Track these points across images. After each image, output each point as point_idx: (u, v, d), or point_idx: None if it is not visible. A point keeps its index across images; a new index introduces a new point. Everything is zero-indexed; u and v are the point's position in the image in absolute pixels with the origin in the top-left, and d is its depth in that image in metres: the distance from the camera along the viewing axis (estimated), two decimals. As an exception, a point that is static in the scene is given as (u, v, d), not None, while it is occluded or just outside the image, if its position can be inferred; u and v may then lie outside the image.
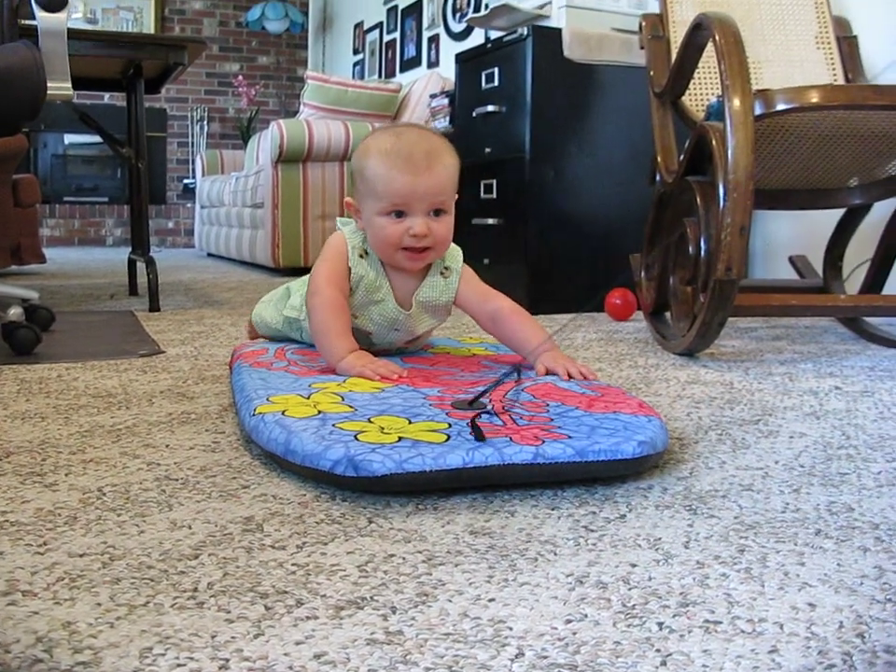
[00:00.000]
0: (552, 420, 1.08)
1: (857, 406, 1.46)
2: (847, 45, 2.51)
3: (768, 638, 0.63)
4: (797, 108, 1.73)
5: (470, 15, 4.17)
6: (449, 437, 1.00)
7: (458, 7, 5.20)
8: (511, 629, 0.65)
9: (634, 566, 0.77)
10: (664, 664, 0.60)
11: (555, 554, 0.79)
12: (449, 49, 5.07)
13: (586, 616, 0.67)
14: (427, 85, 4.65)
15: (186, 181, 7.78)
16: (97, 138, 3.48)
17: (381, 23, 6.41)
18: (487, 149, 3.06)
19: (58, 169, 7.53)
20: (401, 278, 1.41)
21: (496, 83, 3.01)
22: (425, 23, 5.67)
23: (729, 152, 1.69)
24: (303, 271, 4.30)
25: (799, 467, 1.09)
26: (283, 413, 1.10)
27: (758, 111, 1.73)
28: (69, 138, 7.48)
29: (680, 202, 2.05)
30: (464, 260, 1.45)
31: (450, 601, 0.69)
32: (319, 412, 1.10)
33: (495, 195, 3.02)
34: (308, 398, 1.17)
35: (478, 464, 0.94)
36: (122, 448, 1.14)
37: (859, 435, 1.26)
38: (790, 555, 0.79)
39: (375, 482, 0.93)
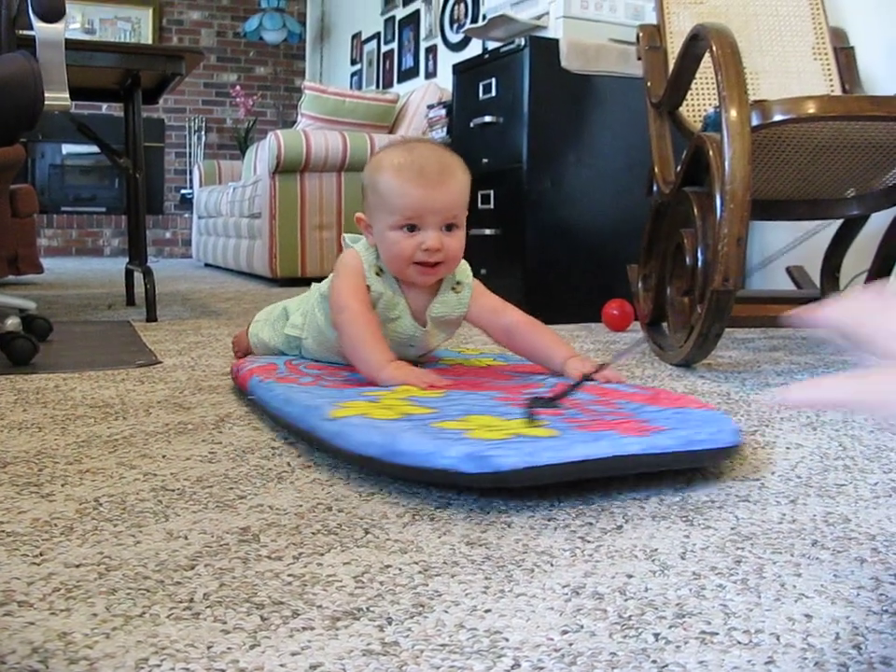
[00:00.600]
0: (633, 415, 1.09)
1: (854, 417, 1.46)
2: (844, 56, 2.51)
3: (764, 650, 0.63)
4: (794, 119, 1.73)
5: (468, 26, 4.18)
6: (560, 431, 1.00)
7: (456, 17, 5.22)
8: (507, 640, 0.64)
9: (630, 576, 0.77)
10: (660, 675, 0.60)
11: (552, 565, 0.79)
12: (446, 60, 5.09)
13: (582, 627, 0.67)
14: (424, 95, 4.66)
15: (183, 191, 7.79)
16: (95, 148, 3.48)
17: (378, 34, 6.43)
18: (485, 160, 3.07)
19: (55, 179, 7.54)
20: (416, 295, 1.40)
21: (493, 94, 3.02)
22: (422, 34, 5.69)
23: (726, 163, 1.69)
24: (301, 281, 4.32)
25: (796, 477, 1.09)
26: (364, 417, 1.07)
27: (755, 122, 1.73)
28: (67, 148, 7.49)
29: (677, 212, 2.05)
30: None
31: (446, 612, 0.69)
32: (403, 413, 1.08)
33: (492, 205, 3.03)
34: (378, 402, 1.15)
35: (599, 455, 0.95)
36: (119, 458, 1.14)
37: (856, 446, 1.26)
38: (786, 566, 0.79)
39: (500, 477, 0.92)
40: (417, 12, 5.75)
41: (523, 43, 2.84)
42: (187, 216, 7.78)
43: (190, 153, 7.97)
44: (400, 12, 6.03)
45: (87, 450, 1.18)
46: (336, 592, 0.73)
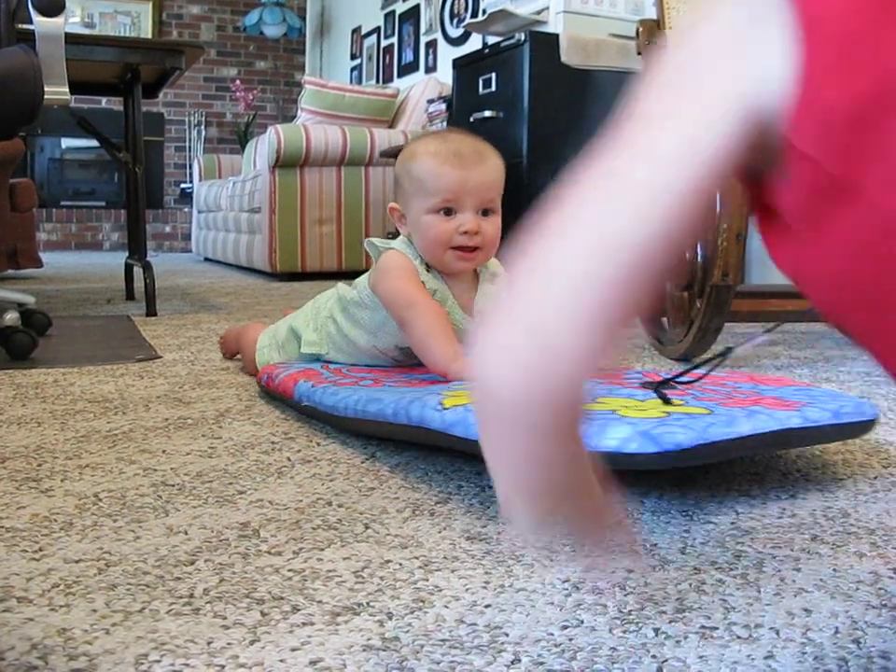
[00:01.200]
0: (757, 392, 1.08)
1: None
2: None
3: (764, 644, 0.63)
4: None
5: (468, 20, 4.18)
6: (711, 410, 0.97)
7: (456, 12, 5.21)
8: (507, 635, 0.64)
9: (630, 571, 0.77)
10: (660, 670, 0.60)
11: (552, 560, 0.79)
12: (447, 55, 5.08)
13: (582, 622, 0.67)
14: (424, 90, 4.66)
15: (183, 186, 7.79)
16: (94, 142, 3.48)
17: (378, 28, 6.42)
18: (484, 154, 3.06)
19: (55, 173, 7.54)
20: (459, 288, 1.38)
21: (493, 88, 3.02)
22: (422, 28, 5.68)
23: (726, 158, 1.69)
24: (300, 276, 4.32)
25: (795, 471, 1.09)
26: None
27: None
28: (66, 142, 7.48)
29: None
30: None
31: (446, 607, 0.69)
32: None
33: (492, 200, 3.02)
34: None
35: (762, 430, 0.92)
36: (118, 453, 1.14)
37: (855, 441, 1.26)
38: (786, 561, 0.79)
39: (679, 455, 0.87)
40: (417, 7, 5.75)
41: (523, 38, 2.84)
42: (186, 210, 7.77)
43: (190, 147, 7.97)
44: (400, 7, 6.02)
45: (86, 445, 1.18)
46: (336, 587, 0.73)
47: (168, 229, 7.91)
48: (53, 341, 2.15)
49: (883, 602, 0.71)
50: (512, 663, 0.60)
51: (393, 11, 6.15)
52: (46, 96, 1.93)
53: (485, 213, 1.33)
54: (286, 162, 4.27)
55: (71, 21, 6.89)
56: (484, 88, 3.06)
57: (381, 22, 6.36)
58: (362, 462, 1.11)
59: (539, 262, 0.44)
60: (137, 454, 1.14)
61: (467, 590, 0.72)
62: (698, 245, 1.86)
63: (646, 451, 0.86)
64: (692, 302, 1.92)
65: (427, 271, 1.36)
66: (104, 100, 7.15)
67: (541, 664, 0.60)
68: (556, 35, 2.88)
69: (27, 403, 1.45)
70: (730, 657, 0.61)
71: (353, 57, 6.99)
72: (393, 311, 1.34)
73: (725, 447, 0.90)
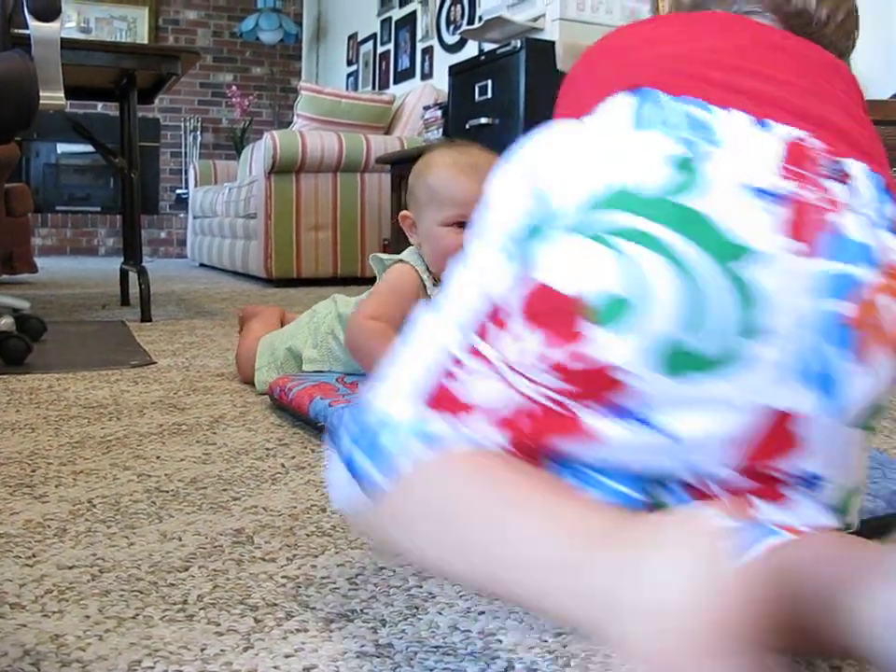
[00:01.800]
0: None
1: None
2: (840, 58, 2.52)
3: (758, 652, 0.63)
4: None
5: (464, 27, 4.18)
6: None
7: (452, 19, 5.22)
8: (500, 642, 0.64)
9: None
10: (654, 677, 0.60)
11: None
12: (443, 61, 5.08)
13: (576, 629, 0.67)
14: (420, 97, 4.66)
15: (178, 191, 7.78)
16: (90, 148, 3.47)
17: (375, 35, 6.42)
18: (480, 161, 3.07)
19: (50, 178, 7.52)
20: None
21: (489, 95, 3.02)
22: (418, 35, 5.69)
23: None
24: (296, 282, 4.31)
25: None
26: None
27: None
28: (62, 147, 7.46)
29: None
30: None
31: (440, 614, 0.69)
32: None
33: (487, 207, 3.02)
34: None
35: None
36: (113, 459, 1.14)
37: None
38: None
39: None
40: (414, 13, 5.75)
41: (519, 45, 2.84)
42: (182, 215, 7.76)
43: (186, 153, 7.96)
44: (397, 13, 6.02)
45: (80, 451, 1.18)
46: (330, 594, 0.73)
47: (163, 234, 7.90)
48: (48, 346, 2.14)
49: None
50: (506, 669, 0.60)
51: (389, 18, 6.15)
52: (41, 101, 1.93)
53: None
54: (281, 168, 4.27)
55: (67, 26, 6.89)
56: (480, 95, 3.06)
57: (377, 29, 6.36)
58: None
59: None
60: (131, 459, 1.14)
61: (460, 596, 0.72)
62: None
63: None
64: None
65: (435, 284, 1.37)
66: (99, 105, 7.15)
67: (535, 670, 0.60)
68: (552, 43, 2.88)
69: (21, 409, 1.44)
70: (724, 665, 0.61)
71: (349, 63, 6.99)
72: (356, 357, 1.37)
73: None
